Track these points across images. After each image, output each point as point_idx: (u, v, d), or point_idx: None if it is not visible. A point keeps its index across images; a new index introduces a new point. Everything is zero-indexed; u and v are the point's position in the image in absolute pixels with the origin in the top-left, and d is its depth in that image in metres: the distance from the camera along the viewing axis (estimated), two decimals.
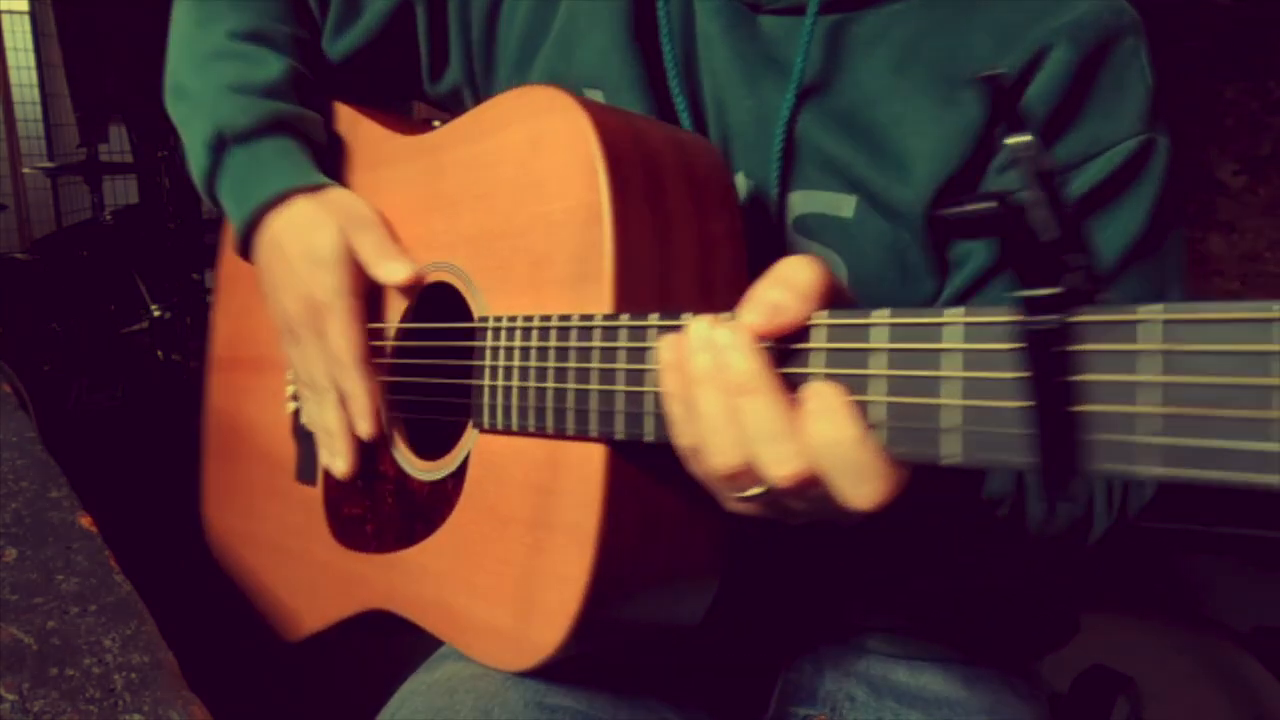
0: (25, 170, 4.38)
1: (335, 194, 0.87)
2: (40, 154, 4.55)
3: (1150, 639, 2.16)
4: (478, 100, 0.92)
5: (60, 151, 4.51)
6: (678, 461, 0.62)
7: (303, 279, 0.83)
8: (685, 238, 0.67)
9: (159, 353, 3.33)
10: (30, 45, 4.54)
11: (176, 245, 3.38)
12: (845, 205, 0.75)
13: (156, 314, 3.30)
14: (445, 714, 0.72)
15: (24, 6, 4.50)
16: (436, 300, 0.82)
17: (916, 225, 0.73)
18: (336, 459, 0.84)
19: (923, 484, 0.49)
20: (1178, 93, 3.21)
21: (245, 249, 0.90)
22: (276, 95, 0.90)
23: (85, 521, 0.78)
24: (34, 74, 4.56)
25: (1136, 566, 2.52)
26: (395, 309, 0.84)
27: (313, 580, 0.92)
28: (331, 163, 0.95)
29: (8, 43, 4.40)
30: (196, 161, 0.91)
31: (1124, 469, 0.38)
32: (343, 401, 0.83)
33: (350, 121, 0.95)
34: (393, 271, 0.81)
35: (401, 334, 0.84)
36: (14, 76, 4.46)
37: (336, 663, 0.94)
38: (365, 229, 0.84)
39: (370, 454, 0.85)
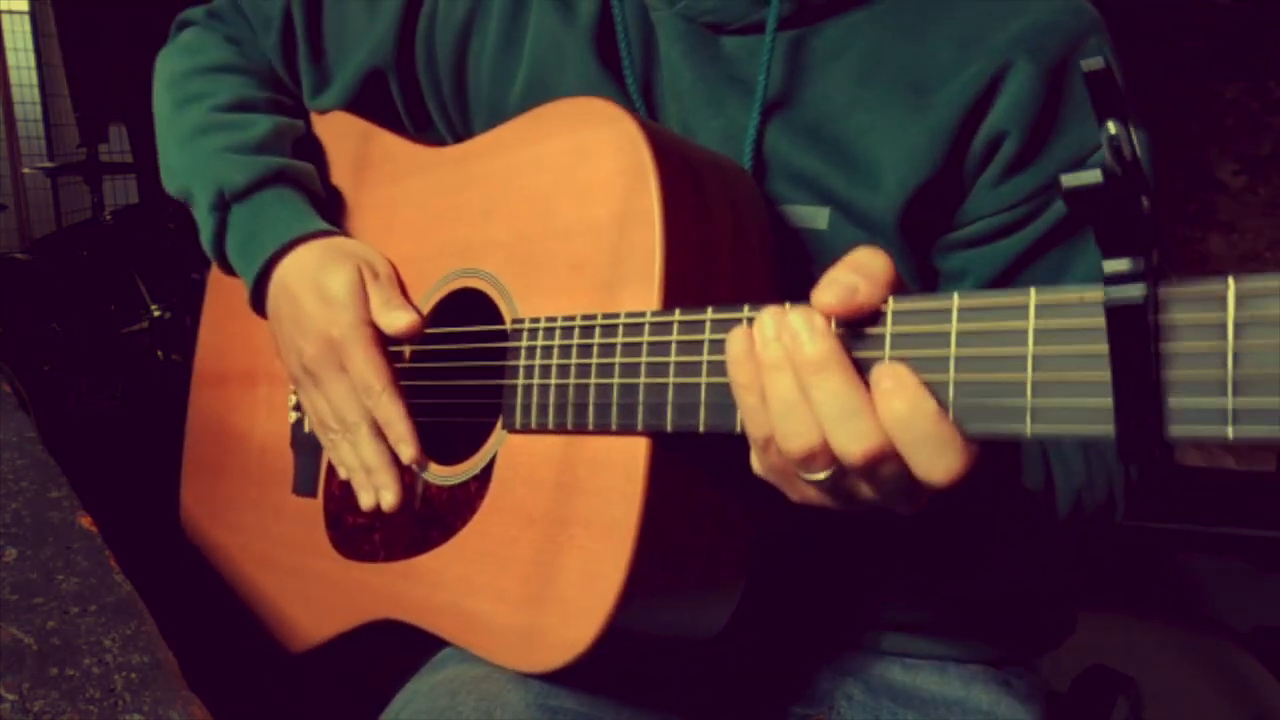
0: (25, 170, 4.38)
1: (342, 240, 0.88)
2: (40, 154, 4.55)
3: (1150, 639, 2.16)
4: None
5: (60, 151, 4.51)
6: (718, 462, 0.63)
7: (316, 319, 0.82)
8: (725, 247, 0.68)
9: (159, 353, 3.32)
10: (30, 45, 4.54)
11: (176, 245, 3.37)
12: (819, 218, 0.75)
13: (156, 314, 3.30)
14: (448, 715, 0.72)
15: (24, 6, 4.50)
16: (460, 306, 0.82)
17: (890, 233, 0.74)
18: (384, 493, 0.82)
19: (987, 460, 0.50)
20: (1177, 92, 3.21)
21: (258, 302, 0.90)
22: (269, 150, 0.91)
23: (85, 521, 0.78)
24: (34, 74, 4.56)
25: (1136, 566, 2.52)
26: None
27: (310, 594, 0.92)
28: (349, 177, 0.96)
29: (8, 43, 4.40)
30: (204, 228, 0.92)
31: (1204, 431, 0.41)
32: (377, 433, 0.81)
33: (368, 136, 0.96)
34: (394, 320, 0.81)
35: (425, 339, 0.84)
36: (14, 76, 4.46)
37: (338, 663, 0.94)
38: (377, 275, 0.84)
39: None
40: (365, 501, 0.83)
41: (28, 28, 4.53)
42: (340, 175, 0.98)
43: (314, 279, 0.83)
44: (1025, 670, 0.89)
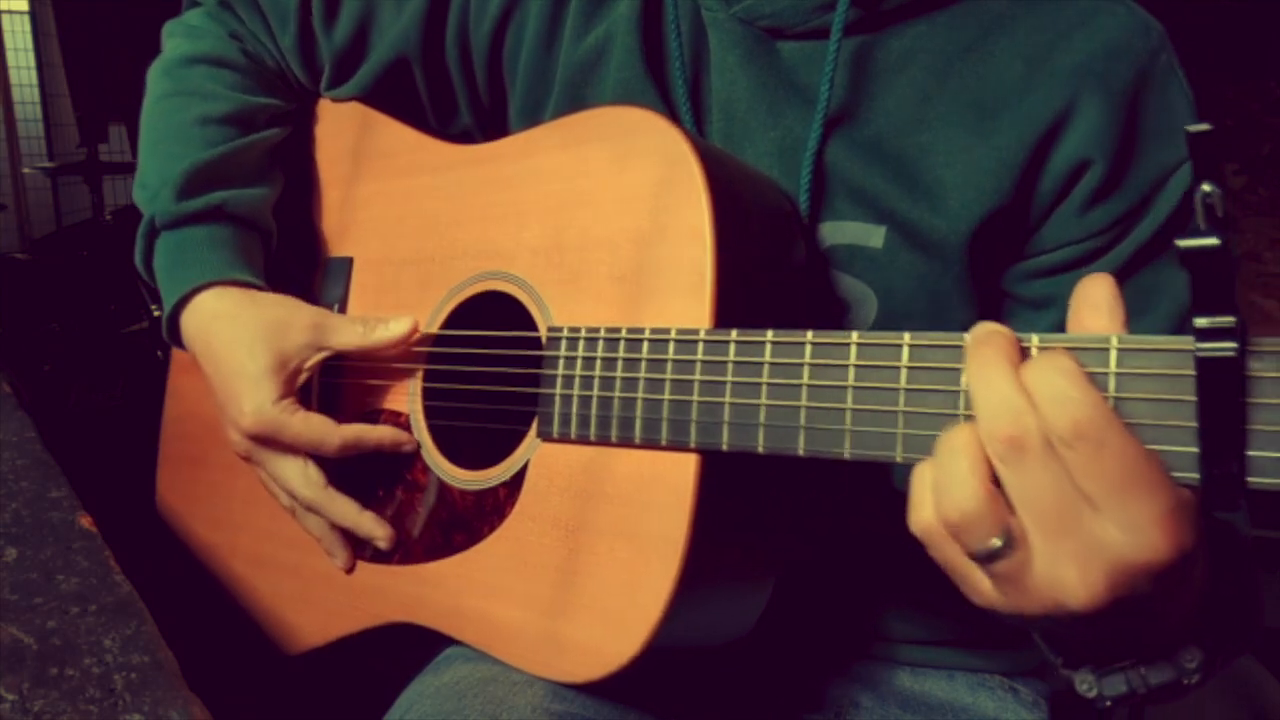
0: (25, 170, 4.37)
1: (256, 297, 0.88)
2: (40, 154, 4.54)
3: None
4: (489, 140, 0.91)
5: (60, 151, 4.50)
6: (762, 478, 0.63)
7: (237, 405, 0.83)
8: (764, 262, 0.68)
9: (159, 353, 3.32)
10: (30, 45, 4.54)
11: None
12: (874, 236, 0.74)
13: (156, 314, 3.29)
14: (454, 718, 0.71)
15: (24, 6, 4.50)
16: (482, 309, 0.81)
17: (952, 256, 0.72)
18: (334, 558, 0.86)
19: None
20: None
21: (173, 334, 0.96)
22: (232, 175, 0.92)
23: (85, 521, 0.78)
24: (34, 74, 4.55)
25: None
26: (434, 319, 0.83)
27: (311, 594, 0.90)
28: (347, 167, 0.94)
29: (8, 43, 4.39)
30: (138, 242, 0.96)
31: None
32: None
33: (374, 126, 0.94)
34: (392, 330, 0.81)
35: (447, 342, 0.82)
36: (14, 76, 4.46)
37: (340, 663, 0.94)
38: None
39: (402, 464, 0.84)
40: (338, 562, 0.87)
41: (28, 28, 4.53)
42: (338, 165, 0.96)
43: (231, 355, 0.84)
44: (1031, 677, 0.89)
